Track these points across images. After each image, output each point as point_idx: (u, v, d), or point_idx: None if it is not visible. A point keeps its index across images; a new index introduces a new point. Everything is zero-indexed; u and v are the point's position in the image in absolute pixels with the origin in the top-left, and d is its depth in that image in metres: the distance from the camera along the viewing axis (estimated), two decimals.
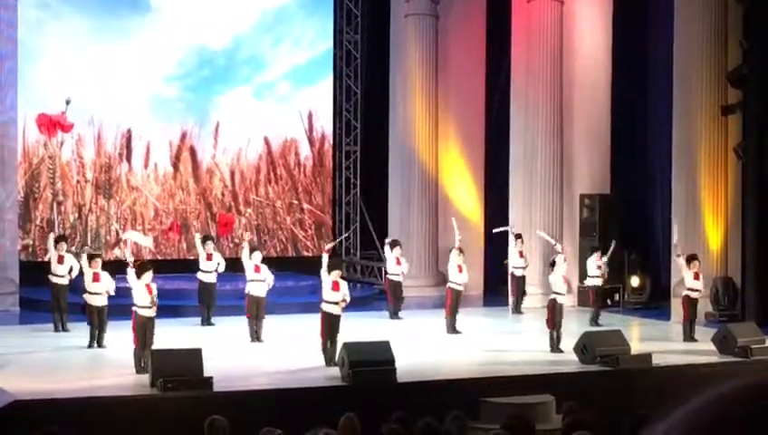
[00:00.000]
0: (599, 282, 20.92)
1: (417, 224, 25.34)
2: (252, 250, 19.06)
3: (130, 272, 15.63)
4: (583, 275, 22.15)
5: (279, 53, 26.68)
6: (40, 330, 18.95)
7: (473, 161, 26.17)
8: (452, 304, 19.60)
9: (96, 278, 17.58)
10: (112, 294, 17.54)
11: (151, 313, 15.42)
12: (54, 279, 18.97)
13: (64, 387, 13.92)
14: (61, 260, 19.01)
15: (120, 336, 16.67)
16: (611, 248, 21.03)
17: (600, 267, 20.73)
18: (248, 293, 18.45)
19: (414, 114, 25.50)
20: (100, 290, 17.46)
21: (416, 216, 25.42)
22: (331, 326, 15.81)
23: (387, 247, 22.11)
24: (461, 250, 20.07)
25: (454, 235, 20.69)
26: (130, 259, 16.08)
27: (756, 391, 1.39)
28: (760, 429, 1.35)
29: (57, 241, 19.33)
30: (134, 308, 15.45)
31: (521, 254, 22.51)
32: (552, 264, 18.35)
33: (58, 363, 16.08)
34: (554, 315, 17.36)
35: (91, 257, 18.17)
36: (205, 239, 20.69)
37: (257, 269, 18.58)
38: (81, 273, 18.37)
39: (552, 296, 17.76)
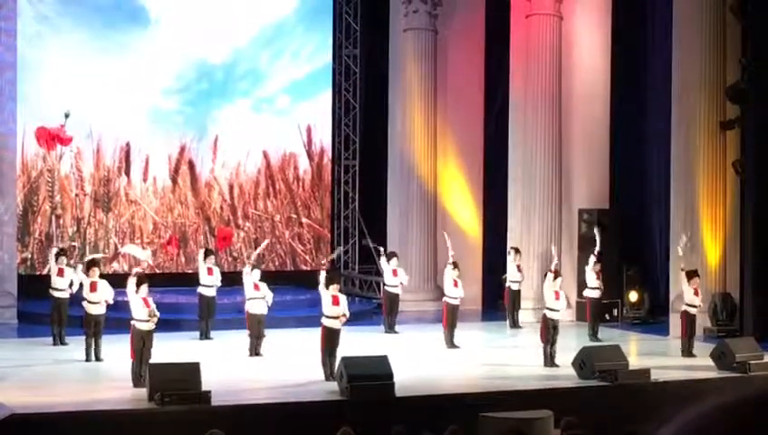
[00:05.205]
0: (597, 294, 20.90)
1: (415, 238, 25.34)
2: (251, 268, 19.07)
3: (130, 283, 15.62)
4: (581, 289, 22.16)
5: (278, 67, 26.69)
6: (38, 343, 18.93)
7: (471, 175, 26.18)
8: (449, 318, 19.61)
9: (93, 288, 17.59)
10: (111, 303, 17.54)
11: (149, 326, 15.39)
12: (55, 293, 19.03)
13: (62, 400, 13.90)
14: (61, 273, 19.08)
15: (117, 350, 16.67)
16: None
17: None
18: (248, 311, 18.44)
19: (413, 128, 25.52)
20: (97, 299, 17.49)
21: (414, 230, 25.42)
22: (331, 341, 15.80)
23: (383, 259, 22.14)
24: (456, 265, 20.12)
25: (447, 250, 20.73)
26: (139, 269, 16.12)
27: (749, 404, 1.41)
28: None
29: (58, 255, 19.40)
30: (132, 322, 15.45)
31: (518, 268, 22.52)
32: (545, 277, 18.39)
33: (56, 377, 16.06)
34: (546, 330, 17.39)
35: (89, 266, 18.19)
36: (207, 253, 20.77)
37: (256, 287, 18.59)
38: (81, 286, 18.38)
39: (544, 311, 17.81)
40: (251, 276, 18.65)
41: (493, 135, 25.99)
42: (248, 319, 18.36)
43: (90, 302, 17.55)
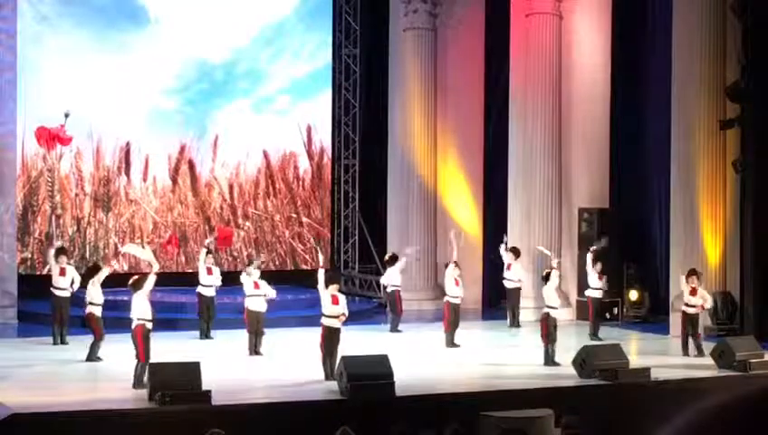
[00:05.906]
0: (599, 294, 20.92)
1: (415, 237, 25.34)
2: (250, 267, 19.08)
3: (150, 283, 15.43)
4: (582, 288, 22.17)
5: (278, 67, 26.70)
6: (38, 343, 18.94)
7: (472, 175, 26.18)
8: (450, 318, 19.62)
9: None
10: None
11: (151, 325, 15.33)
12: (56, 292, 19.05)
13: (62, 400, 13.88)
14: (62, 273, 19.11)
15: (117, 350, 16.67)
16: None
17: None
18: (247, 308, 18.47)
19: (413, 128, 25.55)
20: (102, 301, 17.66)
21: (414, 229, 25.44)
22: (331, 340, 15.80)
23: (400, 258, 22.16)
24: (457, 264, 20.13)
25: (452, 249, 20.75)
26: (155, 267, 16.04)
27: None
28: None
29: (58, 254, 19.37)
30: (140, 322, 15.18)
31: (509, 266, 22.51)
32: (546, 277, 18.25)
33: (57, 377, 16.06)
34: (548, 329, 17.38)
35: (96, 269, 18.28)
36: (209, 252, 20.69)
37: (256, 286, 18.61)
38: (82, 285, 18.42)
39: (546, 310, 17.76)
40: (251, 277, 18.67)
41: (493, 135, 25.99)
42: (247, 316, 18.39)
43: (97, 304, 17.64)
